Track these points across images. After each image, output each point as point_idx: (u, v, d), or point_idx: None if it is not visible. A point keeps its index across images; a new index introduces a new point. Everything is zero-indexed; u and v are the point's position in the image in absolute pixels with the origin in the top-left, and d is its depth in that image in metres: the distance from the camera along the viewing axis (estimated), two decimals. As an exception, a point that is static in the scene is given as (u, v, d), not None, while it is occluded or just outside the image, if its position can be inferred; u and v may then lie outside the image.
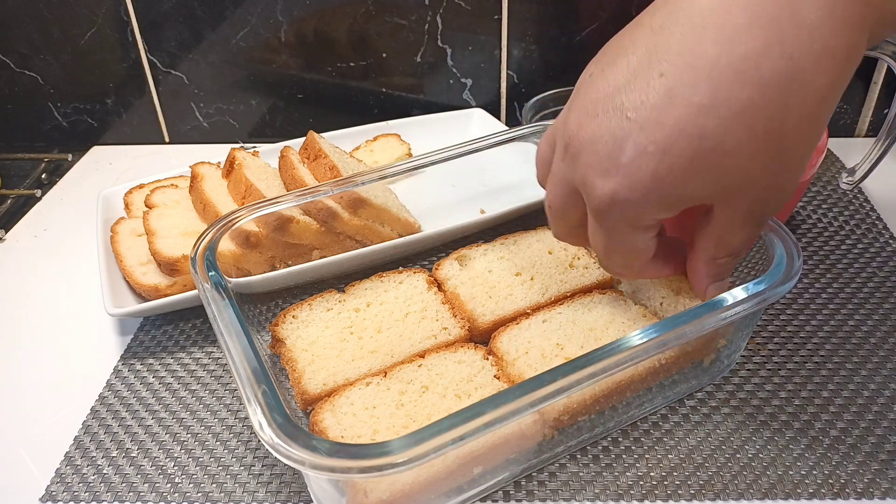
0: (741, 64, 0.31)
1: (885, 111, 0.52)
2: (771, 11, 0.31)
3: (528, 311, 0.49)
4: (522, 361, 0.44)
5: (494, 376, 0.44)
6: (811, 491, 0.40)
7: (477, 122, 0.75)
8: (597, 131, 0.35)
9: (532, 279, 0.51)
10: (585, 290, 0.50)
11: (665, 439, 0.44)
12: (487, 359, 0.45)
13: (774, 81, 0.31)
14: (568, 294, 0.50)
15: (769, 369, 0.48)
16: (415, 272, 0.52)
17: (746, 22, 0.31)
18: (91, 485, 0.42)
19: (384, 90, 0.78)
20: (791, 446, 0.43)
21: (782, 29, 0.31)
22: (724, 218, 0.36)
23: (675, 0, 0.34)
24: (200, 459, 0.44)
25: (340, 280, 0.52)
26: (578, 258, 0.53)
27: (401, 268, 0.53)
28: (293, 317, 0.49)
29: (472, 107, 0.78)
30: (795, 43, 0.31)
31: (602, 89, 0.35)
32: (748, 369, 0.48)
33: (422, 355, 0.45)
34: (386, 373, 0.44)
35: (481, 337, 0.48)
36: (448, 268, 0.53)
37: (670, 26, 0.33)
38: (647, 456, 0.43)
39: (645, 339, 0.36)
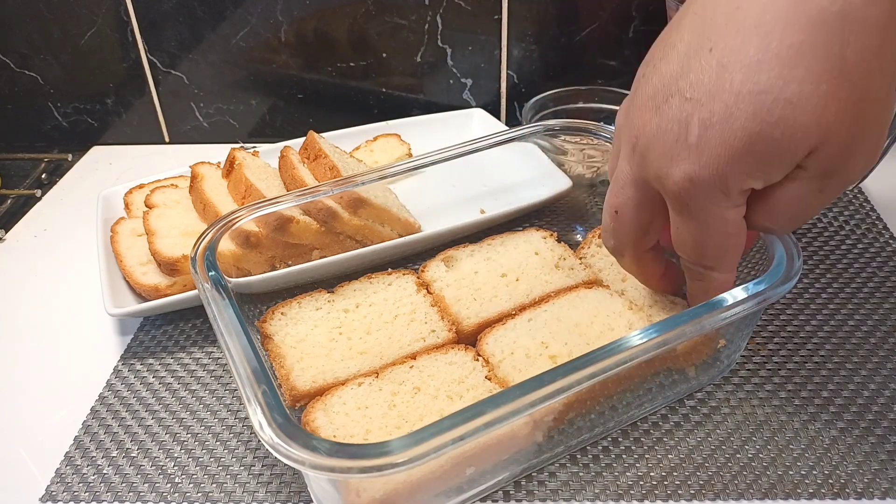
0: (787, 10, 0.30)
1: (885, 111, 0.52)
2: None
3: (513, 312, 0.49)
4: (508, 363, 0.44)
5: (486, 377, 0.44)
6: (811, 491, 0.40)
7: (477, 122, 0.75)
8: (661, 122, 0.34)
9: (518, 280, 0.51)
10: (569, 290, 0.50)
11: (665, 439, 0.44)
12: (478, 360, 0.45)
13: (824, 18, 0.30)
14: (552, 294, 0.50)
15: (769, 369, 0.48)
16: (403, 273, 0.52)
17: None
18: (91, 485, 0.42)
19: (384, 90, 0.78)
20: (791, 446, 0.43)
21: None
22: (795, 187, 0.34)
23: None
24: (200, 459, 0.44)
25: (340, 280, 0.52)
26: (564, 259, 0.53)
27: (389, 269, 0.53)
28: (282, 314, 0.49)
29: (472, 107, 0.78)
30: None
31: (658, 83, 0.34)
32: (748, 369, 0.48)
33: (413, 356, 0.45)
34: (378, 373, 0.44)
35: (468, 339, 0.48)
36: (434, 269, 0.53)
37: (711, 4, 0.33)
38: (647, 456, 0.43)
39: (645, 339, 0.36)
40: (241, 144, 0.78)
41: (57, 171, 0.78)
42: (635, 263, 0.43)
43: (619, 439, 0.44)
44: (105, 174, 0.77)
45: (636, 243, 0.41)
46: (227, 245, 0.52)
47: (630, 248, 0.41)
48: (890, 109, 0.33)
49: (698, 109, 0.32)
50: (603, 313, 0.47)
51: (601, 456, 0.43)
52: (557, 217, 0.63)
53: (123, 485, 0.42)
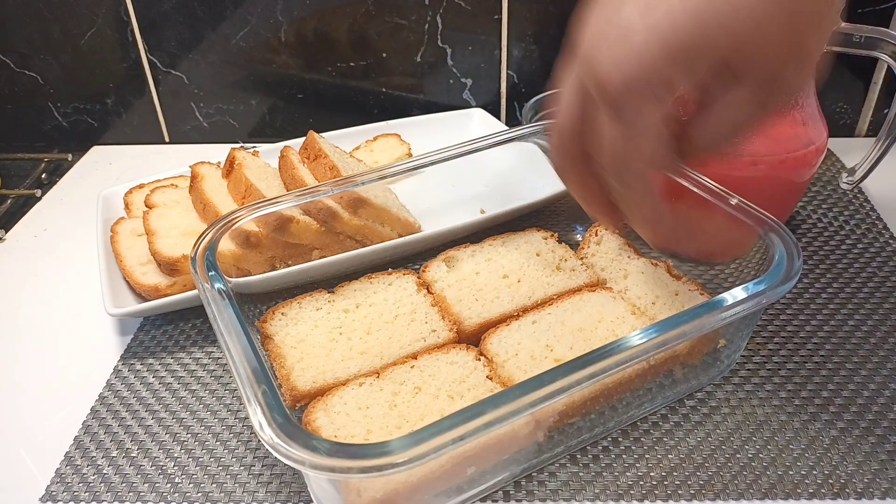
0: None
1: (885, 111, 0.52)
2: None
3: (516, 313, 0.49)
4: (512, 363, 0.44)
5: (487, 377, 0.44)
6: (811, 491, 0.40)
7: (477, 122, 0.75)
8: (605, 28, 0.34)
9: (519, 281, 0.51)
10: (573, 292, 0.50)
11: (665, 439, 0.44)
12: (479, 360, 0.45)
13: None
14: (555, 296, 0.50)
15: (769, 369, 0.48)
16: (404, 273, 0.52)
17: None
18: (91, 485, 0.42)
19: (384, 90, 0.78)
20: (791, 446, 0.43)
21: None
22: (736, 95, 0.35)
23: None
24: (200, 459, 0.44)
25: (340, 280, 0.52)
26: (565, 260, 0.53)
27: (390, 269, 0.53)
28: (282, 314, 0.49)
29: (472, 107, 0.78)
30: None
31: (604, 7, 0.35)
32: (748, 369, 0.48)
33: (414, 356, 0.45)
34: (379, 373, 0.44)
35: (469, 339, 0.48)
36: (435, 269, 0.53)
37: None
38: (647, 456, 0.43)
39: (645, 340, 0.36)
40: (241, 144, 0.78)
41: (57, 171, 0.78)
42: (579, 186, 0.42)
43: (619, 439, 0.44)
44: (105, 174, 0.77)
45: (576, 159, 0.40)
46: (227, 245, 0.52)
47: (571, 164, 0.40)
48: (825, 23, 0.34)
49: (642, 17, 0.33)
50: (607, 318, 0.47)
51: (601, 456, 0.43)
52: (557, 217, 0.63)
53: (123, 485, 0.42)
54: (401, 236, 0.58)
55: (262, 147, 0.68)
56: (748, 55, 0.33)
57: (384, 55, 0.75)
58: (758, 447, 0.43)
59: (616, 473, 0.42)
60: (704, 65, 0.33)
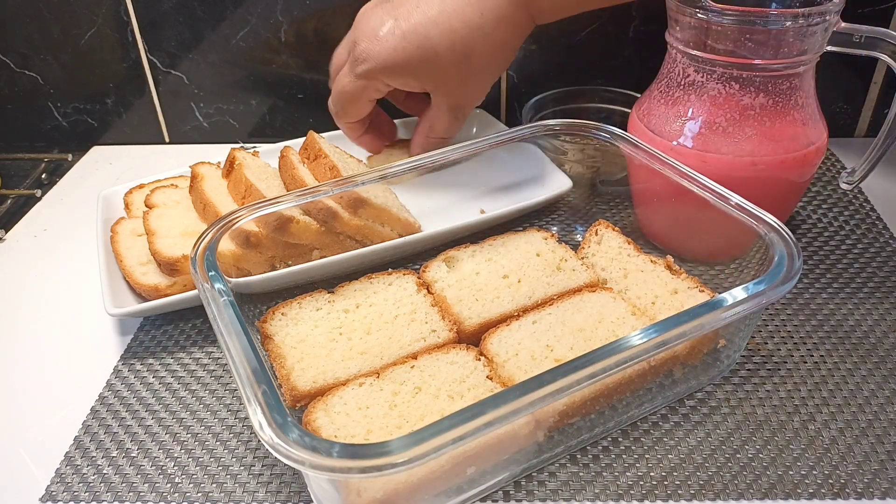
0: (457, 6, 0.54)
1: (885, 111, 0.52)
2: None
3: (516, 313, 0.49)
4: (513, 363, 0.44)
5: (487, 377, 0.44)
6: (811, 491, 0.40)
7: (477, 122, 0.75)
8: (371, 15, 0.57)
9: (519, 282, 0.51)
10: (573, 293, 0.50)
11: (665, 439, 0.44)
12: (479, 360, 0.45)
13: (472, 24, 0.54)
14: (555, 297, 0.50)
15: (769, 369, 0.48)
16: (404, 273, 0.52)
17: None
18: (91, 485, 0.42)
19: (384, 90, 0.78)
20: (791, 446, 0.43)
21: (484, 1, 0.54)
22: (435, 107, 0.60)
23: None
24: (200, 459, 0.44)
25: (340, 280, 0.52)
26: (566, 260, 0.53)
27: (390, 269, 0.53)
28: (282, 314, 0.49)
29: (472, 107, 0.78)
30: (487, 7, 0.54)
31: (392, 8, 0.56)
32: (748, 369, 0.48)
33: (414, 356, 0.45)
34: (379, 373, 0.44)
35: (469, 339, 0.48)
36: (435, 270, 0.53)
37: None
38: (647, 456, 0.43)
39: (645, 339, 0.36)
40: (241, 144, 0.78)
41: (57, 171, 0.78)
42: (344, 125, 0.65)
43: (619, 439, 0.44)
44: (105, 174, 0.77)
45: (345, 107, 0.61)
46: (227, 245, 0.52)
47: (340, 110, 0.62)
48: (487, 86, 0.60)
49: (394, 20, 0.55)
50: (607, 318, 0.47)
51: (601, 456, 0.43)
52: (557, 217, 0.63)
53: (123, 485, 0.42)
54: (401, 236, 0.58)
55: (262, 147, 0.68)
56: (438, 83, 0.58)
57: (384, 55, 0.75)
58: (758, 447, 0.43)
59: (616, 473, 0.42)
60: (415, 79, 0.57)
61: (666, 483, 0.41)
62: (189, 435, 0.45)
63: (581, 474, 0.42)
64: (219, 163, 0.64)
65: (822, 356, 0.49)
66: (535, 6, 0.55)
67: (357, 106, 0.61)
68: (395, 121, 0.73)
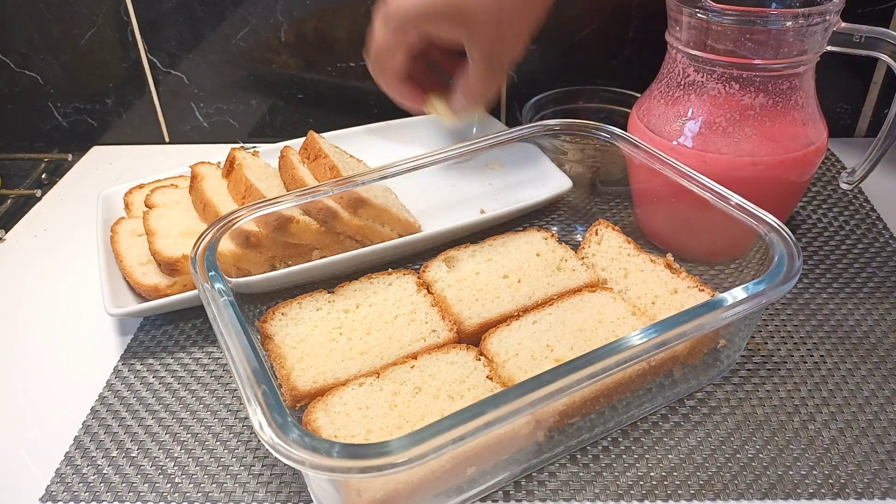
0: None
1: (885, 111, 0.52)
2: None
3: (516, 313, 0.49)
4: (513, 363, 0.44)
5: (487, 377, 0.44)
6: (811, 491, 0.40)
7: (477, 122, 0.75)
8: None
9: (519, 282, 0.51)
10: (573, 293, 0.50)
11: (665, 439, 0.44)
12: (479, 360, 0.45)
13: None
14: (555, 297, 0.50)
15: (769, 369, 0.48)
16: (404, 273, 0.52)
17: None
18: (91, 485, 0.42)
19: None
20: (791, 446, 0.43)
21: None
22: (470, 59, 0.56)
23: None
24: (200, 459, 0.44)
25: (340, 280, 0.52)
26: (566, 260, 0.53)
27: (390, 269, 0.53)
28: (282, 314, 0.49)
29: (472, 107, 0.78)
30: None
31: None
32: (748, 369, 0.48)
33: (414, 356, 0.45)
34: (379, 373, 0.44)
35: (469, 339, 0.48)
36: (436, 270, 0.53)
37: None
38: (647, 456, 0.43)
39: (645, 339, 0.36)
40: (241, 144, 0.78)
41: (57, 171, 0.78)
42: (382, 83, 0.61)
43: (619, 439, 0.44)
44: (105, 174, 0.77)
45: (380, 61, 0.59)
46: (227, 245, 0.52)
47: (376, 66, 0.60)
48: (524, 35, 0.56)
49: None
50: (607, 319, 0.47)
51: (601, 456, 0.43)
52: (557, 217, 0.63)
53: (123, 485, 0.42)
54: (401, 236, 0.58)
55: (262, 147, 0.68)
56: (470, 30, 0.54)
57: (384, 55, 0.75)
58: (758, 447, 0.43)
59: (616, 473, 0.42)
60: (445, 25, 0.54)
61: (666, 483, 0.41)
62: (189, 435, 0.45)
63: (581, 474, 0.42)
64: (219, 163, 0.64)
65: (822, 356, 0.49)
66: None
67: (392, 60, 0.58)
68: (403, 120, 0.73)
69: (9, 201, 0.71)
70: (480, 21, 0.53)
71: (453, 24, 0.54)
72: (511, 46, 0.56)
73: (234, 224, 0.48)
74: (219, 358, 0.51)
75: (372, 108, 0.79)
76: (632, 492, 0.41)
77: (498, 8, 0.52)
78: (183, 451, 0.44)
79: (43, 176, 0.76)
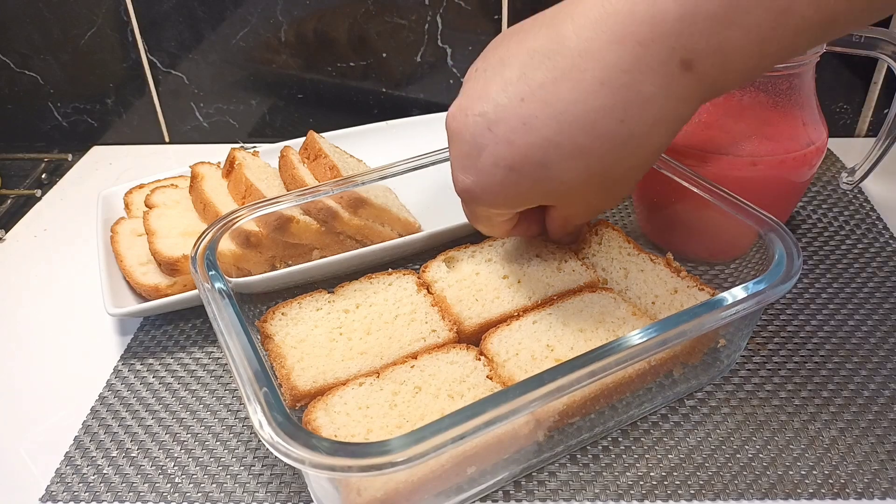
0: (585, 116, 0.36)
1: (885, 111, 0.52)
2: (621, 78, 0.35)
3: (516, 313, 0.49)
4: (513, 363, 0.44)
5: (487, 377, 0.43)
6: (811, 491, 0.40)
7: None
8: (462, 129, 0.40)
9: (519, 282, 0.51)
10: (573, 293, 0.50)
11: (665, 439, 0.44)
12: (479, 359, 0.45)
13: (608, 137, 0.36)
14: (555, 297, 0.50)
15: (769, 369, 0.48)
16: (404, 273, 0.52)
17: (601, 80, 0.35)
18: (91, 485, 0.42)
19: (384, 90, 0.78)
20: (791, 446, 0.43)
21: (626, 97, 0.35)
22: (560, 214, 0.45)
23: (558, 24, 0.37)
24: (200, 459, 0.44)
25: (340, 280, 0.52)
26: (566, 261, 0.53)
27: (390, 269, 0.53)
28: (282, 314, 0.49)
29: (472, 107, 0.78)
30: (631, 111, 0.35)
31: (477, 92, 0.40)
32: (748, 369, 0.48)
33: (414, 356, 0.45)
34: (379, 373, 0.44)
35: (469, 339, 0.48)
36: (436, 270, 0.53)
37: (542, 56, 0.37)
38: (647, 456, 0.43)
39: (645, 339, 0.36)
40: (241, 144, 0.78)
41: (57, 171, 0.78)
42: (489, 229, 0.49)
43: (619, 439, 0.44)
44: (105, 174, 0.77)
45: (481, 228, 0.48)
46: (227, 245, 0.52)
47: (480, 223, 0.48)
48: (629, 192, 0.48)
49: (493, 145, 0.38)
50: (608, 319, 0.47)
51: (601, 456, 0.43)
52: (557, 217, 0.63)
53: (123, 485, 0.42)
54: (401, 236, 0.58)
55: (262, 147, 0.68)
56: (563, 203, 0.43)
57: (384, 55, 0.75)
58: (758, 447, 0.43)
59: (616, 473, 0.42)
60: (525, 205, 0.43)
61: (666, 483, 0.41)
62: (189, 435, 0.45)
63: (581, 474, 0.42)
64: (219, 163, 0.64)
65: (822, 356, 0.49)
66: (711, 82, 0.35)
67: (498, 230, 0.48)
68: (403, 120, 0.73)
69: (9, 201, 0.71)
70: (575, 199, 0.42)
71: (545, 201, 0.43)
72: (604, 208, 0.46)
73: (234, 224, 0.48)
74: (219, 358, 0.51)
75: (372, 108, 0.79)
76: (632, 492, 0.41)
77: (601, 180, 0.39)
78: (183, 451, 0.44)
79: (43, 176, 0.76)
